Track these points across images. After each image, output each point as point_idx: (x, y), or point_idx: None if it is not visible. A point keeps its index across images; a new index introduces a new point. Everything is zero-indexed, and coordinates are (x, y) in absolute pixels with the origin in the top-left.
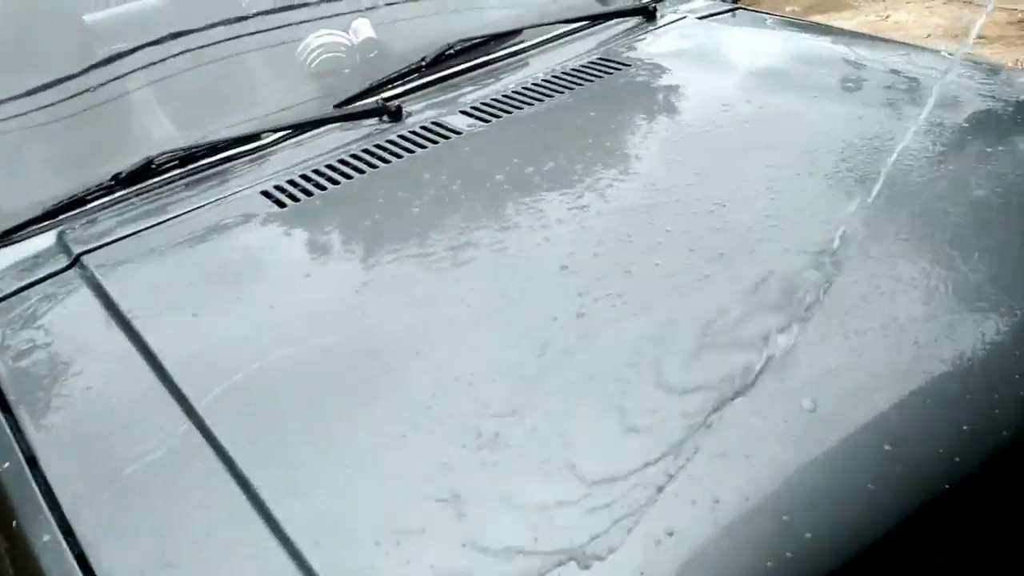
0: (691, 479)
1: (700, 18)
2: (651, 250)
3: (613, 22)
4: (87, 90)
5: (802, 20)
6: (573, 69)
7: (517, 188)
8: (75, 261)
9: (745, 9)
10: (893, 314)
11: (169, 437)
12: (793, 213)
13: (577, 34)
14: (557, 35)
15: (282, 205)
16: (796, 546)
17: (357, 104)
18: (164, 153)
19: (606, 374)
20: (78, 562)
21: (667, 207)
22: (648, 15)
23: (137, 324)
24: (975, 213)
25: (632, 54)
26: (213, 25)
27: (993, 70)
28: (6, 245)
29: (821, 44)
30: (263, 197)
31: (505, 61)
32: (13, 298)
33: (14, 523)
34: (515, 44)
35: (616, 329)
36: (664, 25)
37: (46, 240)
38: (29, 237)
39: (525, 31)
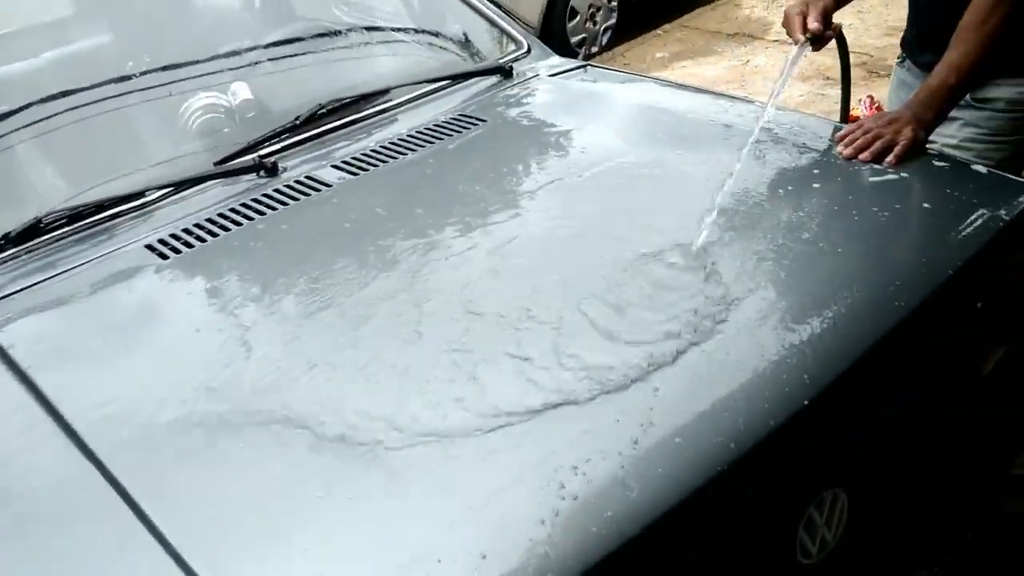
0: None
1: (553, 75)
2: (471, 302)
3: (473, 80)
4: None
5: (643, 75)
6: (435, 125)
7: (371, 235)
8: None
9: (594, 66)
10: (686, 337)
11: (58, 471)
12: (588, 258)
13: (441, 92)
14: (422, 93)
15: (164, 257)
16: (599, 522)
17: (236, 161)
18: (52, 212)
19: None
20: None
21: (493, 252)
22: (505, 73)
23: (29, 371)
24: (749, 250)
25: (488, 109)
26: (99, 84)
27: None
28: None
29: (654, 97)
30: (147, 250)
31: (374, 118)
32: None
33: None
34: (383, 102)
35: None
36: (519, 82)
37: None
38: None
39: (392, 90)
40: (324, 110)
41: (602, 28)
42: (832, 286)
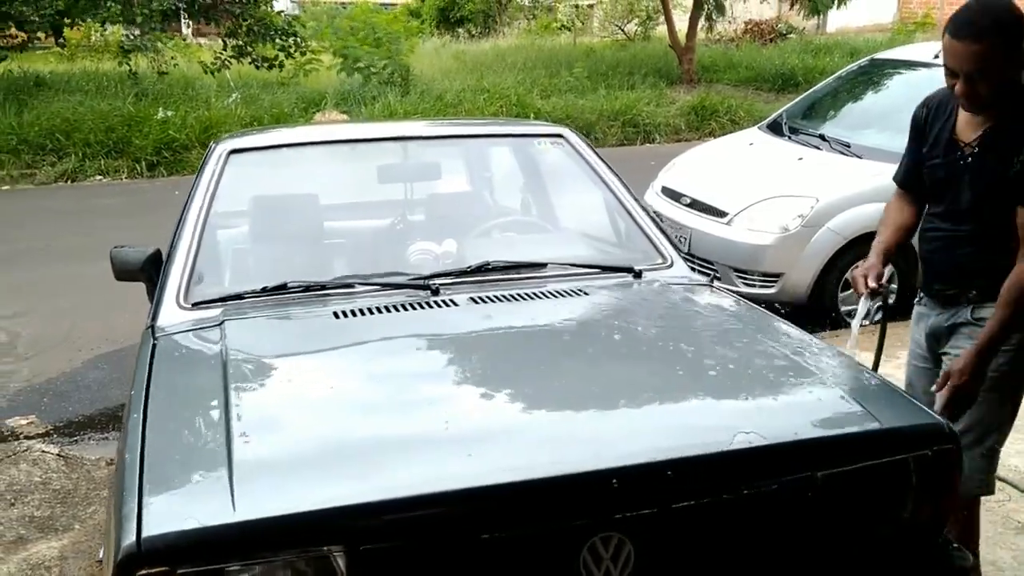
0: None
1: (674, 284)
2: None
3: (611, 274)
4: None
5: (754, 306)
6: (557, 291)
7: (454, 332)
8: (221, 322)
9: (717, 288)
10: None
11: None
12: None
13: (579, 275)
14: (564, 273)
15: (337, 317)
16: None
17: (418, 280)
18: (295, 282)
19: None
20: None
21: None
22: (636, 274)
23: (230, 357)
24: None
25: (601, 292)
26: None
27: None
28: (200, 309)
29: (732, 316)
30: (332, 315)
31: (523, 280)
32: (190, 331)
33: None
34: (529, 271)
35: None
36: (642, 283)
37: (216, 310)
38: (211, 307)
39: (545, 265)
40: (489, 266)
41: (875, 306)
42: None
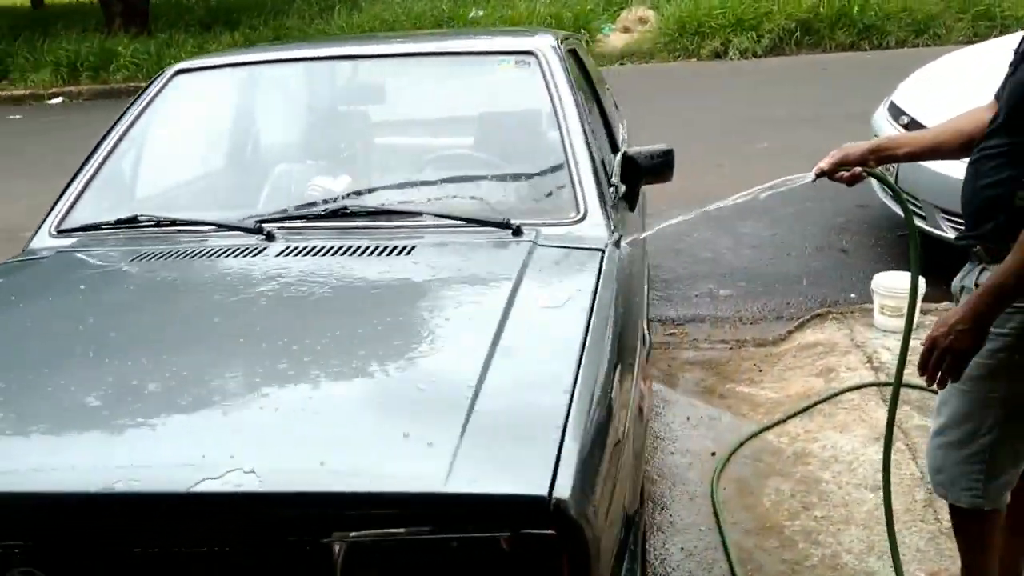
0: None
1: (550, 247)
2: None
3: (487, 228)
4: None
5: (596, 293)
6: (390, 248)
7: (248, 283)
8: (52, 255)
9: (605, 254)
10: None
11: None
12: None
13: (455, 229)
14: (442, 225)
15: (134, 260)
16: None
17: (250, 224)
18: (145, 215)
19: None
20: None
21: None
22: (515, 231)
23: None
24: None
25: (435, 251)
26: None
27: None
28: (63, 237)
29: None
30: (139, 257)
31: (389, 230)
32: (25, 259)
33: None
34: (407, 220)
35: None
36: (518, 241)
37: (71, 240)
38: (71, 236)
39: (425, 215)
40: (347, 209)
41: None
42: None
